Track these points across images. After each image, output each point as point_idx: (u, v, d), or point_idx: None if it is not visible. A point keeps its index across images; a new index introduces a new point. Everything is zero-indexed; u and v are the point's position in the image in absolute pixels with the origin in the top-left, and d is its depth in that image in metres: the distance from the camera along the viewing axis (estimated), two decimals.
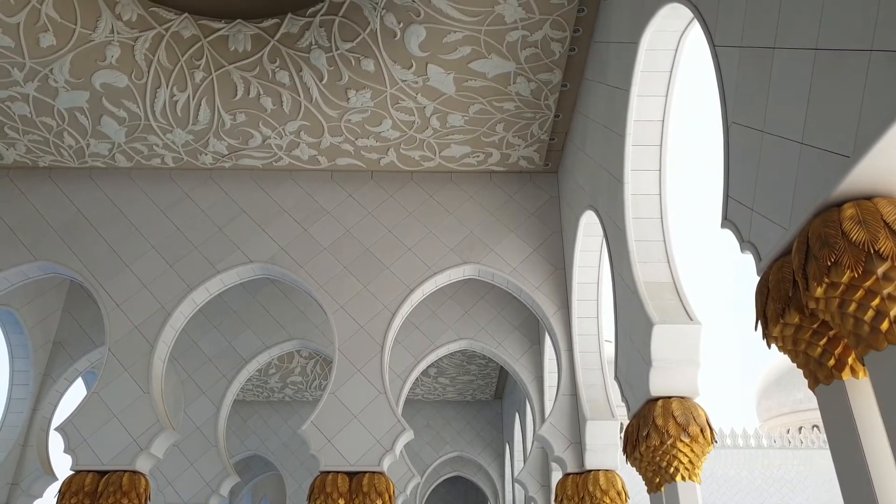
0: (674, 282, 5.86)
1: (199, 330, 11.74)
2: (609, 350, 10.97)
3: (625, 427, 6.22)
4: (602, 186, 7.10)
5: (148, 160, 9.59)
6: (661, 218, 6.17)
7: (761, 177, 3.68)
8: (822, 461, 31.23)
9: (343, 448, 8.17)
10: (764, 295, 3.55)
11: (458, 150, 9.32)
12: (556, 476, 10.45)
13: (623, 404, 6.13)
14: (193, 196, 9.74)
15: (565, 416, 8.45)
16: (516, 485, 16.23)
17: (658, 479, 5.48)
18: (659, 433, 5.25)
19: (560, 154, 9.52)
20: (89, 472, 8.02)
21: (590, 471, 7.94)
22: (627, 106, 6.11)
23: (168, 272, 9.23)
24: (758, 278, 3.68)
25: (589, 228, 8.37)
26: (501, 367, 17.44)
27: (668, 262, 5.99)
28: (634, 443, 5.60)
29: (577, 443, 8.27)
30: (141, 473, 8.16)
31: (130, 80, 8.25)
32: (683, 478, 5.18)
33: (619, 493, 7.72)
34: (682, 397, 5.42)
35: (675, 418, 5.23)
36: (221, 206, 9.67)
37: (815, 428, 36.50)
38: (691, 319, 5.49)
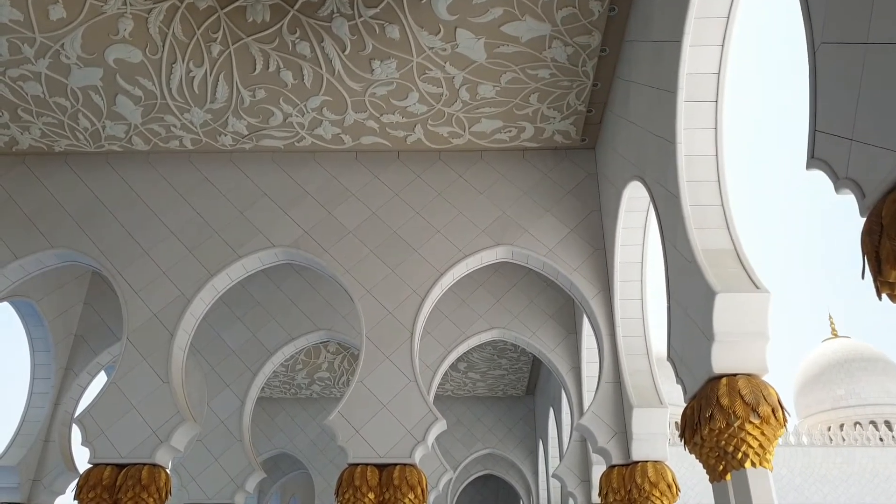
0: (735, 248, 5.30)
1: (222, 322, 11.37)
2: (654, 334, 10.35)
3: (679, 414, 5.64)
4: (649, 153, 6.54)
5: (166, 142, 9.22)
6: (719, 180, 5.61)
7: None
8: (865, 459, 30.19)
9: (372, 439, 7.70)
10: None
11: (489, 124, 8.80)
12: (597, 470, 9.88)
13: (679, 386, 5.57)
14: (213, 179, 9.35)
15: (609, 404, 7.90)
16: (551, 483, 15.67)
17: (722, 467, 4.92)
18: (724, 414, 4.69)
19: (598, 128, 8.96)
20: (108, 465, 7.65)
21: (637, 462, 7.37)
22: (679, 59, 5.56)
23: (188, 258, 8.84)
24: (862, 220, 3.21)
25: (632, 203, 7.82)
26: (533, 361, 16.91)
27: (728, 227, 5.43)
28: (694, 426, 5.05)
29: (622, 433, 7.71)
30: (161, 467, 7.76)
31: (145, 55, 7.87)
32: (754, 464, 4.61)
33: (669, 486, 7.15)
34: (749, 375, 4.85)
35: (742, 397, 4.67)
36: (242, 189, 9.27)
37: (857, 425, 35.35)
38: (757, 288, 4.92)
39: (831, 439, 30.74)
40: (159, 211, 9.16)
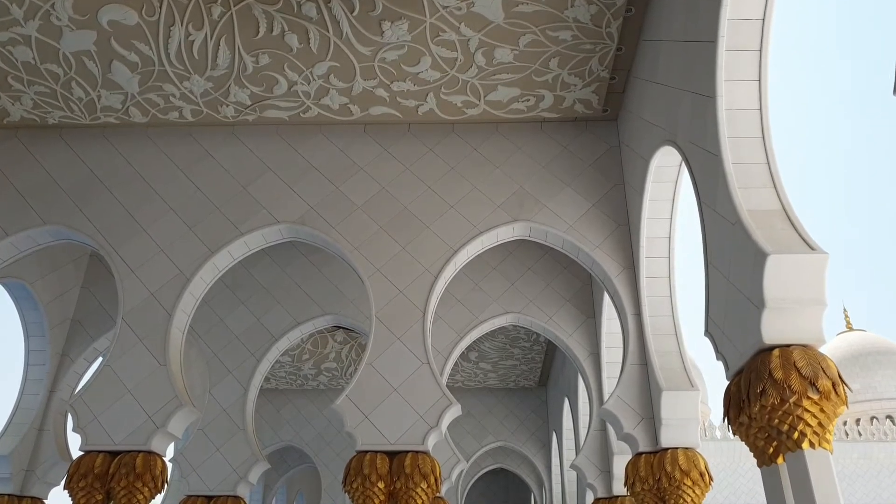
0: (784, 208, 4.78)
1: (225, 306, 10.91)
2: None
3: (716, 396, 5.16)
4: (683, 113, 6.02)
5: (165, 114, 8.74)
6: (763, 136, 5.09)
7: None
8: (882, 455, 29.54)
9: (382, 425, 7.22)
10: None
11: (506, 92, 8.29)
12: (619, 460, 9.37)
13: (721, 360, 5.06)
14: (215, 154, 8.88)
15: (635, 388, 7.39)
16: (566, 475, 15.17)
17: (773, 449, 4.41)
18: (778, 389, 4.18)
19: (621, 97, 8.44)
20: (100, 452, 7.19)
21: (666, 449, 6.87)
22: (720, 2, 5.04)
23: (187, 235, 8.38)
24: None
25: (660, 174, 7.30)
26: (546, 350, 16.41)
27: (775, 186, 4.91)
28: (741, 404, 4.54)
29: (650, 418, 7.20)
30: (157, 454, 7.30)
31: (141, 17, 7.39)
32: (812, 444, 4.10)
33: (701, 475, 6.64)
34: (804, 345, 4.34)
35: (798, 370, 4.16)
36: (245, 163, 8.79)
37: (873, 420, 34.67)
38: (812, 249, 4.40)
39: (847, 434, 30.09)
40: (158, 186, 8.69)
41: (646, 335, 7.47)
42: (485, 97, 8.37)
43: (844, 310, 40.14)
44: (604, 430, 10.07)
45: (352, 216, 8.42)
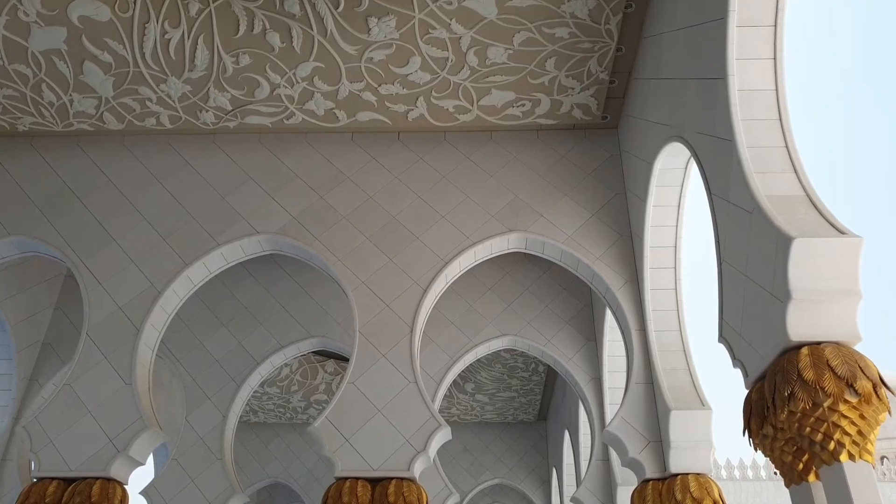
0: (807, 194, 4.27)
1: (205, 329, 10.33)
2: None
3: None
4: (690, 102, 5.56)
5: (141, 120, 8.29)
6: (780, 118, 4.61)
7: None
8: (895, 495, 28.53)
9: (364, 449, 6.60)
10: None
11: (500, 96, 7.85)
12: (623, 492, 8.70)
13: (739, 368, 4.48)
14: (194, 163, 8.41)
15: (640, 409, 6.78)
16: None
17: (804, 463, 3.84)
18: (809, 392, 3.60)
19: (621, 103, 8.00)
20: (54, 479, 6.54)
21: (676, 475, 6.23)
22: None
23: (160, 246, 7.85)
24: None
25: (665, 177, 6.82)
26: (545, 383, 15.74)
27: (796, 171, 4.41)
28: (764, 412, 3.96)
29: (657, 441, 6.58)
30: (117, 482, 6.65)
31: (114, 13, 6.98)
32: (851, 456, 3.51)
33: (715, 502, 6.00)
34: (837, 343, 3.78)
35: (832, 370, 3.59)
36: (225, 173, 8.32)
37: (883, 459, 33.64)
38: (843, 233, 3.87)
39: None
40: (132, 196, 8.20)
41: (651, 352, 6.90)
42: (478, 102, 7.92)
43: None
44: (606, 460, 9.41)
45: (336, 227, 7.91)
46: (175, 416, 9.77)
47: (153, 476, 9.89)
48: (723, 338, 4.81)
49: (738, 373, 4.53)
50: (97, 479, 6.53)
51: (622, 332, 7.41)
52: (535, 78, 7.61)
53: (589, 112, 8.09)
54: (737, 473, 28.54)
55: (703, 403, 6.35)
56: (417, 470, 6.57)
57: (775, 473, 28.86)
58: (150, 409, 7.08)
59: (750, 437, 4.20)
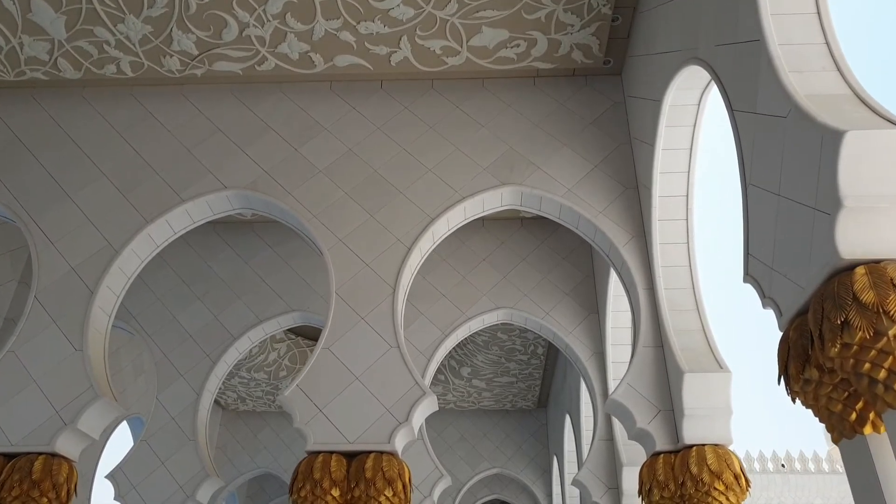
0: (854, 91, 3.55)
1: (178, 303, 9.62)
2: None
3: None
4: (706, 17, 4.85)
5: (100, 67, 7.56)
6: (819, 12, 3.87)
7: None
8: None
9: (339, 420, 5.88)
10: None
11: (492, 35, 7.11)
12: (629, 473, 7.98)
13: (771, 306, 3.76)
14: (158, 115, 7.68)
15: (649, 374, 6.05)
16: (567, 502, 13.65)
17: (859, 412, 3.12)
18: (868, 318, 2.87)
19: (625, 44, 7.27)
20: None
21: (690, 446, 5.51)
22: None
23: (119, 203, 7.13)
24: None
25: (675, 116, 6.09)
26: (545, 367, 15.02)
27: (839, 68, 3.68)
28: (807, 352, 3.24)
29: (668, 410, 5.85)
30: (63, 458, 5.94)
31: None
32: None
33: (737, 477, 5.27)
34: None
35: None
36: (192, 125, 7.60)
37: None
38: None
39: None
40: (90, 151, 7.48)
41: (661, 312, 6.17)
42: (467, 42, 7.19)
43: None
44: (610, 439, 8.69)
45: (312, 181, 7.19)
46: (141, 393, 9.05)
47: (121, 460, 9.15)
48: (749, 276, 4.09)
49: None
50: (40, 454, 5.81)
51: (627, 293, 6.69)
52: (530, 13, 6.87)
53: (590, 54, 7.36)
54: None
55: (720, 366, 5.63)
56: (399, 443, 5.85)
57: (782, 466, 28.13)
58: (103, 377, 6.37)
59: (787, 385, 3.48)
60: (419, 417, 6.00)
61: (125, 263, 6.91)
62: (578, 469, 9.14)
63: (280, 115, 7.59)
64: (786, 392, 3.50)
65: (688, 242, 6.34)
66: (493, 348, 14.07)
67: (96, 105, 7.77)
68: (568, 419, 12.83)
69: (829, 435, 3.31)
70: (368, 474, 5.49)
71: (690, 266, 6.29)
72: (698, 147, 6.27)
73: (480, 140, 7.34)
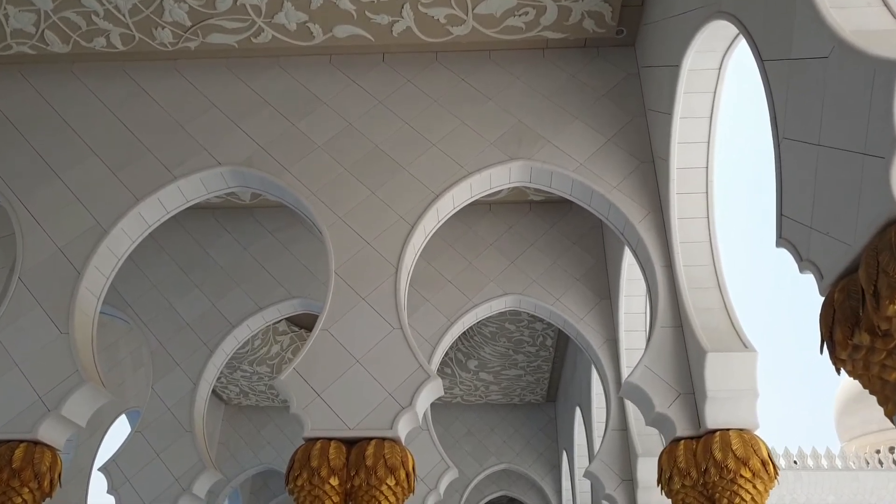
0: None
1: (176, 291, 9.30)
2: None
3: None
4: None
5: (89, 40, 7.23)
6: None
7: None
8: None
9: (339, 405, 5.54)
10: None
11: (499, 2, 6.75)
12: (645, 464, 7.62)
13: (810, 269, 3.39)
14: (150, 90, 7.36)
15: (667, 355, 5.69)
16: (578, 499, 13.28)
17: None
18: None
19: (639, 11, 6.90)
20: None
21: (713, 431, 5.14)
22: None
23: (109, 181, 6.81)
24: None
25: (694, 81, 5.72)
26: (554, 360, 14.65)
27: (885, 3, 3.31)
28: (856, 315, 2.87)
29: (689, 393, 5.49)
30: (46, 446, 5.61)
31: None
32: None
33: (764, 464, 4.91)
34: None
35: None
36: (185, 100, 7.27)
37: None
38: None
39: (882, 463, 27.95)
40: (80, 128, 7.17)
41: (680, 290, 5.80)
42: (473, 10, 6.83)
43: None
44: (624, 429, 8.32)
45: (310, 157, 6.85)
46: (138, 383, 8.74)
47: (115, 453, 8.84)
48: (783, 240, 3.72)
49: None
50: (21, 442, 5.49)
51: (643, 271, 6.32)
52: None
53: (602, 23, 6.99)
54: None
55: (745, 345, 5.26)
56: (402, 429, 5.51)
57: (795, 462, 27.64)
58: (91, 362, 6.05)
59: (832, 353, 3.11)
60: (423, 402, 5.65)
61: (114, 244, 6.58)
62: (590, 462, 8.77)
63: (277, 90, 7.25)
64: (830, 361, 3.12)
65: (708, 217, 5.98)
66: (500, 340, 13.71)
67: (86, 80, 7.45)
68: (578, 412, 12.46)
69: (882, 407, 2.90)
70: (369, 462, 5.15)
71: (711, 241, 5.93)
72: (719, 115, 5.90)
73: (487, 114, 6.99)
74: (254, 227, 9.57)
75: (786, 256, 3.70)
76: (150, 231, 6.90)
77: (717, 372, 5.16)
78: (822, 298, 3.27)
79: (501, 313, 12.71)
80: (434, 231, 6.79)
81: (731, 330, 5.39)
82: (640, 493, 7.62)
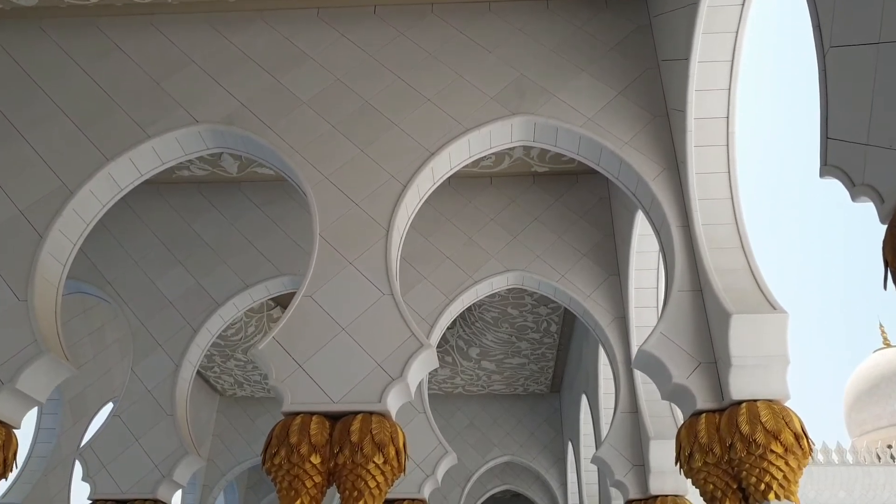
0: None
1: (158, 267, 8.77)
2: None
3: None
4: None
5: None
6: None
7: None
8: None
9: (322, 377, 5.01)
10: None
11: None
12: (658, 448, 7.07)
13: (868, 195, 2.85)
14: (125, 46, 6.84)
15: (686, 321, 5.14)
16: (584, 490, 12.73)
17: None
18: None
19: None
20: None
21: (739, 402, 4.59)
22: None
23: (78, 140, 6.29)
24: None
25: (715, 20, 5.20)
26: (559, 348, 14.10)
27: None
28: None
29: (710, 363, 4.94)
30: (1, 423, 5.09)
31: None
32: None
33: (797, 438, 4.36)
34: None
35: None
36: (163, 57, 6.75)
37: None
38: None
39: (893, 458, 27.33)
40: (47, 86, 6.65)
41: (699, 251, 5.26)
42: None
43: (881, 325, 37.34)
44: (634, 411, 7.77)
45: (295, 113, 6.32)
46: (117, 363, 8.22)
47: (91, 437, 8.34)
48: (829, 166, 3.18)
49: None
50: None
51: (657, 234, 5.78)
52: None
53: None
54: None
55: (773, 306, 4.71)
56: (392, 403, 4.97)
57: None
58: (53, 332, 5.53)
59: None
60: (416, 374, 5.12)
61: (81, 206, 6.06)
62: (597, 449, 8.23)
63: (260, 45, 6.73)
64: None
65: (729, 171, 5.44)
66: (503, 326, 13.17)
67: (56, 37, 6.93)
68: (584, 400, 11.91)
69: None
70: (354, 437, 4.62)
71: (732, 198, 5.39)
72: (741, 60, 5.35)
73: (487, 67, 6.45)
74: (241, 202, 9.05)
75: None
76: (122, 195, 6.38)
77: (743, 336, 4.61)
78: (884, 227, 2.73)
79: (504, 297, 12.19)
80: (430, 192, 6.26)
81: (758, 291, 4.85)
82: (651, 479, 7.06)
